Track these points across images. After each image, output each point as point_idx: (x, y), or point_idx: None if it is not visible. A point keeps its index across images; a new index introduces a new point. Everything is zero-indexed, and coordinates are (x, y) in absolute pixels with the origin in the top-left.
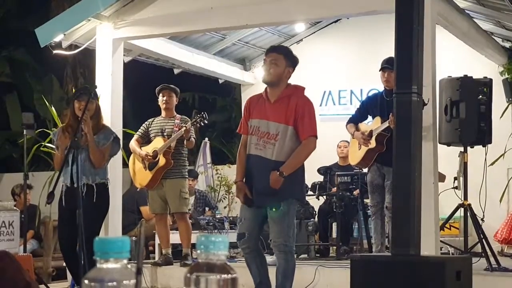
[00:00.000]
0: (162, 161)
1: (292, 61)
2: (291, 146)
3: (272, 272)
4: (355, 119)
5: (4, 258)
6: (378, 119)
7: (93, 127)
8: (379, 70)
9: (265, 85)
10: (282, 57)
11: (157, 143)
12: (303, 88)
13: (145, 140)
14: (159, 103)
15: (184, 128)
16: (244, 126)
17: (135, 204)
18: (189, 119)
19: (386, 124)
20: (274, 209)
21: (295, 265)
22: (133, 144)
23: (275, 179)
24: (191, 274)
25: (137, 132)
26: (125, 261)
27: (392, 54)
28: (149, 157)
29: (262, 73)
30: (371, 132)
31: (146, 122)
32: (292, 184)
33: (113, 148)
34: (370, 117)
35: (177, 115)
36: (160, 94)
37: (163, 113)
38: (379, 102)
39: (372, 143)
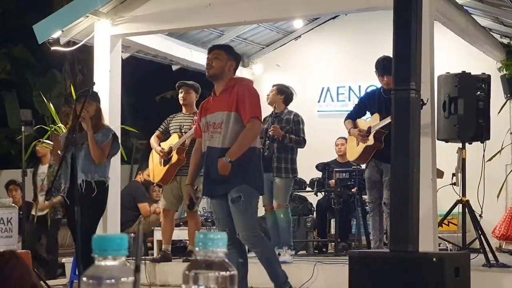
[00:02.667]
0: (174, 158)
1: (233, 55)
2: (236, 132)
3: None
4: (353, 115)
5: (11, 258)
6: (376, 116)
7: (93, 127)
8: (379, 76)
9: (264, 82)
10: (223, 52)
11: (173, 139)
12: (249, 80)
13: (166, 136)
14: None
15: (194, 126)
16: (197, 130)
17: (132, 201)
18: None
19: (387, 121)
20: (234, 203)
21: (271, 248)
22: (152, 139)
23: (222, 165)
24: (190, 271)
25: (159, 128)
26: (123, 259)
27: (391, 50)
28: (162, 153)
29: (206, 70)
30: (369, 128)
31: (167, 118)
32: (244, 170)
33: (113, 147)
34: (368, 114)
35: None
36: (179, 91)
37: (183, 109)
38: (377, 99)
39: (371, 140)
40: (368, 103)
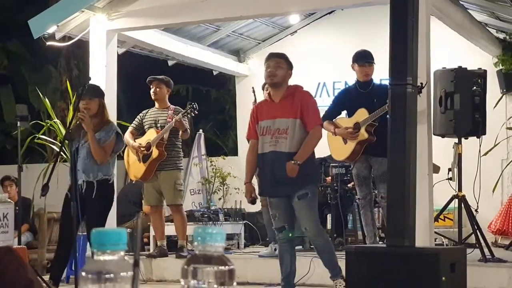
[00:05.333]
0: (155, 153)
1: (291, 64)
2: (300, 137)
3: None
4: (331, 116)
5: (7, 255)
6: (363, 110)
7: (97, 125)
8: (360, 65)
9: (260, 77)
10: (284, 61)
11: (150, 135)
12: (301, 86)
13: (140, 132)
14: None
15: (174, 119)
16: (252, 131)
17: (139, 196)
18: (182, 110)
19: (378, 114)
20: (301, 199)
21: (330, 240)
22: (127, 136)
23: (291, 168)
24: (188, 265)
25: (131, 124)
26: (122, 253)
27: (387, 46)
28: (142, 149)
29: (266, 77)
30: (357, 124)
31: (140, 114)
32: (309, 171)
33: (117, 144)
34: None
35: (171, 106)
36: (151, 86)
37: (156, 104)
38: (356, 95)
39: (363, 135)
40: (346, 101)
